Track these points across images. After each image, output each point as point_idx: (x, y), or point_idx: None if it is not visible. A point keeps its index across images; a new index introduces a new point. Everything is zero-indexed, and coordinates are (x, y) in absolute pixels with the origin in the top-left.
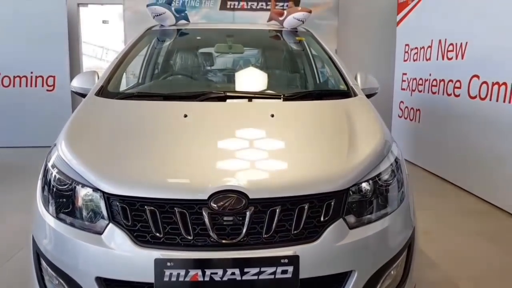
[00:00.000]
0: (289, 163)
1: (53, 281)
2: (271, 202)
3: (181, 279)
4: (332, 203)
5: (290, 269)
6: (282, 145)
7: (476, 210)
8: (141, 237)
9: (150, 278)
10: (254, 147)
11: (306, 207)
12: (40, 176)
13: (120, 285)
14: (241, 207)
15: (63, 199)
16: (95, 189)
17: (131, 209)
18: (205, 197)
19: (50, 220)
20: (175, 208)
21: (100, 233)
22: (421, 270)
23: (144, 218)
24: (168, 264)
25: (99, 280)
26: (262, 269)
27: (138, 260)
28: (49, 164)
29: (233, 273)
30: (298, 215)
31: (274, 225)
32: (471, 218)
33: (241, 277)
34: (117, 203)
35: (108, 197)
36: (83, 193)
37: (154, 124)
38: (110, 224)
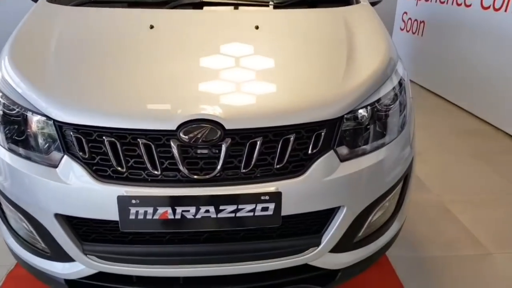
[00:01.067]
0: (273, 87)
1: (16, 219)
2: (251, 133)
3: (148, 217)
4: (323, 133)
5: (271, 206)
6: (266, 64)
7: (476, 131)
8: (101, 171)
9: (114, 215)
10: (233, 67)
11: (292, 138)
12: None
13: (83, 222)
14: (216, 139)
15: (12, 126)
16: (46, 117)
17: (88, 140)
18: (173, 127)
19: (1, 151)
20: (138, 140)
21: (55, 166)
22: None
23: (104, 151)
24: (133, 201)
25: (59, 217)
26: (240, 206)
27: (99, 196)
28: None
29: (207, 211)
30: (282, 147)
31: (254, 159)
32: (470, 139)
33: (216, 215)
34: (71, 133)
35: (60, 126)
36: (33, 121)
37: (115, 38)
38: (65, 157)
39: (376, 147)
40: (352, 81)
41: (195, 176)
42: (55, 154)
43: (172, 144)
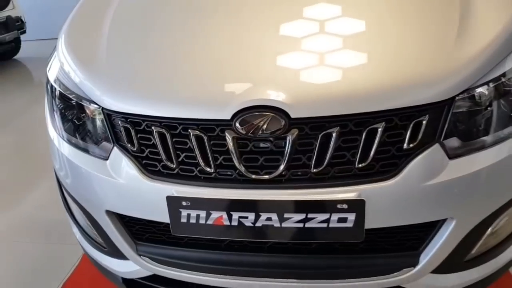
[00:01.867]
0: (355, 60)
1: (77, 210)
2: (324, 122)
3: (202, 221)
4: (425, 121)
5: (351, 217)
6: (345, 29)
7: None
8: (151, 166)
9: (164, 217)
10: (302, 36)
11: (380, 128)
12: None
13: (136, 221)
14: (279, 130)
15: (67, 114)
16: (96, 104)
17: (136, 130)
18: (228, 117)
19: (57, 142)
20: (189, 131)
21: (106, 159)
22: None
23: (153, 143)
24: (184, 203)
25: (110, 214)
26: (310, 215)
27: (148, 195)
28: (51, 78)
29: (269, 219)
30: (366, 140)
31: (328, 155)
32: None
33: (280, 224)
34: (119, 122)
35: (109, 114)
36: (84, 108)
37: (175, 11)
38: (115, 148)
39: (501, 139)
40: (467, 48)
41: (254, 176)
42: (106, 145)
43: (227, 136)
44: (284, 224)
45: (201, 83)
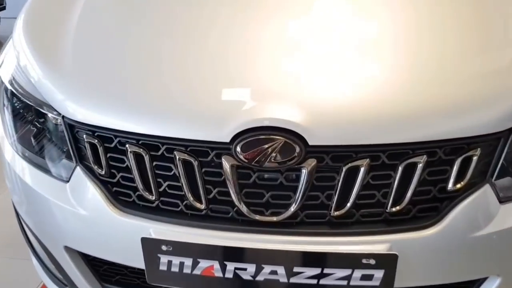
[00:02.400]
0: (394, 75)
1: (33, 241)
2: (350, 153)
3: (186, 271)
4: (476, 156)
5: (379, 274)
6: (384, 36)
7: None
8: (123, 195)
9: (138, 262)
10: (328, 44)
11: (421, 163)
12: None
13: (104, 261)
14: (293, 160)
15: (21, 125)
16: (55, 111)
17: (106, 148)
18: (226, 139)
19: (9, 155)
20: (174, 153)
21: (66, 181)
22: None
23: (127, 165)
24: (164, 248)
25: (71, 251)
26: (327, 270)
27: (118, 233)
28: (2, 75)
29: (273, 272)
30: (402, 177)
31: (354, 194)
32: None
33: (288, 280)
34: (84, 136)
35: (71, 125)
36: (42, 116)
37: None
38: (78, 169)
39: None
40: None
41: (258, 217)
42: (67, 164)
43: (224, 163)
44: (292, 280)
45: (193, 93)
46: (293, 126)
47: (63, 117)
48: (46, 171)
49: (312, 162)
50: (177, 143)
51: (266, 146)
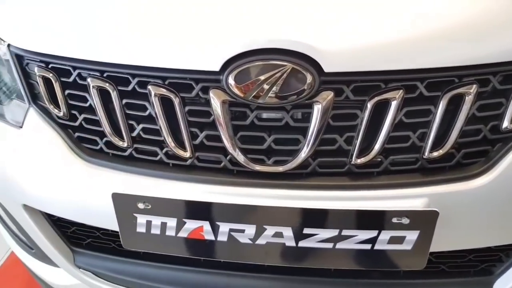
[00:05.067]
0: None
1: None
2: (378, 82)
3: (169, 233)
4: None
5: (412, 236)
6: None
7: None
8: (87, 142)
9: (110, 222)
10: None
11: (470, 95)
12: None
13: (70, 223)
14: (303, 93)
15: None
16: (1, 40)
17: (63, 84)
18: (215, 67)
19: None
20: (149, 87)
21: (19, 126)
22: None
23: (90, 104)
24: (141, 205)
25: (31, 210)
26: (346, 232)
27: (84, 188)
28: None
29: (278, 234)
30: (445, 114)
31: (382, 136)
32: None
33: (296, 243)
34: (35, 69)
35: (19, 56)
36: None
37: None
38: (31, 111)
39: None
40: None
41: (258, 167)
42: (19, 105)
43: (212, 99)
44: (302, 244)
45: (172, 7)
46: (303, 47)
47: (8, 45)
48: None
49: (328, 96)
50: (152, 74)
51: (268, 75)
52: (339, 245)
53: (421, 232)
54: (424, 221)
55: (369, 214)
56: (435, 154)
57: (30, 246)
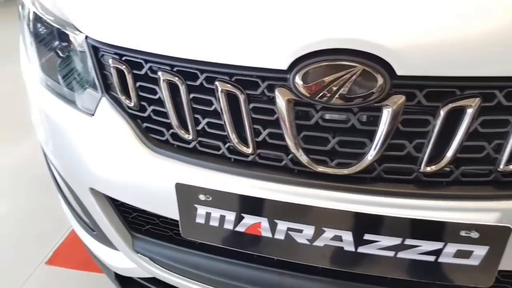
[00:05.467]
0: None
1: (59, 180)
2: (454, 88)
3: (227, 226)
4: None
5: (481, 251)
6: None
7: None
8: (155, 132)
9: (171, 211)
10: None
11: None
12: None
13: (133, 207)
14: (372, 95)
15: (44, 50)
16: (78, 31)
17: (135, 76)
18: (283, 65)
19: (32, 85)
20: (216, 83)
21: (91, 114)
22: None
23: (159, 97)
24: (202, 197)
25: (97, 194)
26: (409, 241)
27: (148, 177)
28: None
29: (337, 238)
30: None
31: (455, 145)
32: None
33: (355, 248)
34: (110, 61)
35: (95, 47)
36: (65, 38)
37: None
38: (103, 100)
39: None
40: None
41: (320, 168)
42: (92, 94)
43: (278, 97)
44: (361, 250)
45: (242, 5)
46: (376, 49)
47: (86, 37)
48: (70, 102)
49: (399, 100)
50: (219, 70)
51: (336, 76)
52: (401, 254)
53: (491, 248)
54: (495, 236)
55: (435, 224)
56: (510, 167)
57: (92, 228)
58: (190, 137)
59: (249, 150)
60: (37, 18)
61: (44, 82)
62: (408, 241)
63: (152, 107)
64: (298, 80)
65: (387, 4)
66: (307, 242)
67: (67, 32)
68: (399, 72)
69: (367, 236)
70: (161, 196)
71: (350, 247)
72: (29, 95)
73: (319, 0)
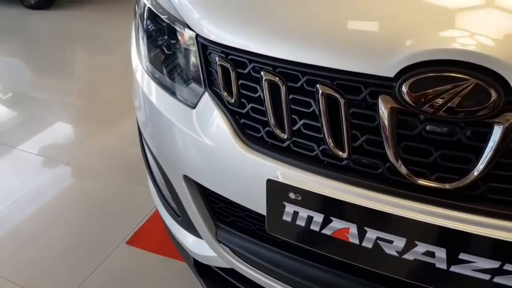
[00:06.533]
0: None
1: (152, 165)
2: None
3: (314, 227)
4: None
5: None
6: None
7: None
8: (251, 129)
9: (259, 205)
10: None
11: None
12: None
13: (221, 198)
14: (483, 111)
15: (155, 44)
16: (190, 29)
17: (238, 74)
18: (390, 73)
19: (139, 75)
20: (317, 86)
21: (193, 107)
22: None
23: (259, 95)
24: (292, 195)
25: (189, 181)
26: (507, 267)
27: (241, 170)
28: None
29: (429, 253)
30: None
31: None
32: None
33: (447, 267)
34: (216, 59)
35: (204, 45)
36: (176, 34)
37: None
38: (206, 95)
39: None
40: None
41: (421, 180)
42: (196, 88)
43: (380, 104)
44: (454, 269)
45: (349, 10)
46: (492, 63)
47: (196, 36)
48: (174, 94)
49: (511, 117)
50: (322, 73)
51: (446, 88)
52: (497, 279)
53: None
54: None
55: None
56: None
57: (178, 214)
58: (285, 136)
59: (344, 155)
60: (151, 14)
61: (151, 74)
62: (508, 266)
63: (251, 105)
64: (404, 88)
65: (503, 15)
66: (396, 254)
67: (180, 30)
68: None
69: (462, 256)
70: (251, 190)
71: (441, 265)
72: (136, 84)
73: (430, 10)
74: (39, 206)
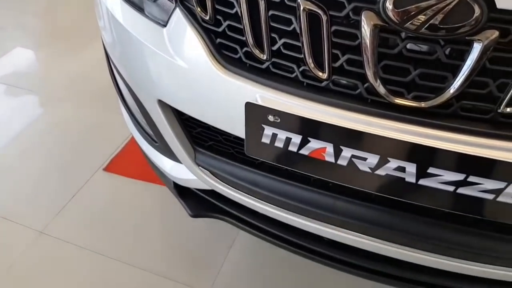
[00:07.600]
0: None
1: (123, 90)
2: None
3: (292, 148)
4: None
5: None
6: None
7: None
8: (228, 49)
9: (237, 129)
10: None
11: None
12: None
13: (198, 121)
14: (464, 28)
15: None
16: None
17: None
18: None
19: None
20: (298, 1)
21: (164, 25)
22: None
23: (236, 12)
24: (271, 118)
25: (165, 106)
26: (472, 179)
27: (218, 93)
28: None
29: (400, 169)
30: None
31: None
32: None
33: (416, 181)
34: None
35: None
36: None
37: None
38: (177, 11)
39: None
40: None
41: (398, 100)
42: (166, 4)
43: (363, 21)
44: (422, 182)
45: None
46: None
47: None
48: (142, 10)
49: (491, 35)
50: None
51: (430, 3)
52: (461, 190)
53: None
54: None
55: (506, 165)
56: None
57: (155, 140)
58: (265, 57)
59: (324, 76)
60: None
61: None
62: (472, 178)
63: (227, 22)
64: (389, 4)
65: None
66: (369, 170)
67: None
68: (500, 5)
69: (431, 170)
70: (229, 113)
71: (411, 179)
72: (98, 1)
73: None
74: (11, 136)
